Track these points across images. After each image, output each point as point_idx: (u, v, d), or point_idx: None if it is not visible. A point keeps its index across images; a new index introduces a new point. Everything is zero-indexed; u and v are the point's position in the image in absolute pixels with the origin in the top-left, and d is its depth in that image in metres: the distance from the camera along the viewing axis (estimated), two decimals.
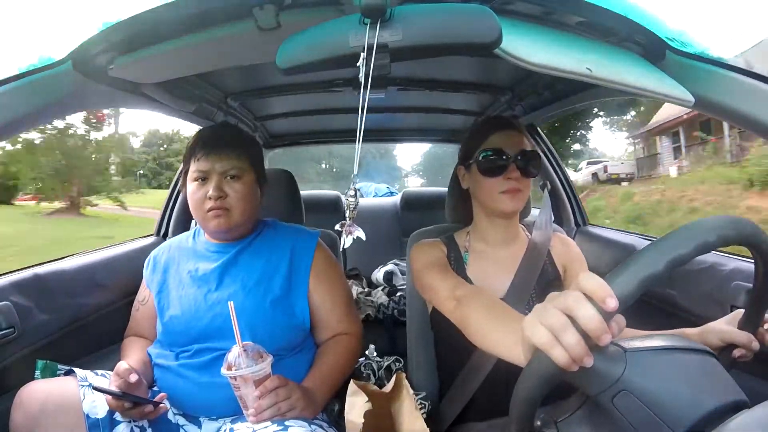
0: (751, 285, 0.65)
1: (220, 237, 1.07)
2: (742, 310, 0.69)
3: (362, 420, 0.84)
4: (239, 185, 1.03)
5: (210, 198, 1.00)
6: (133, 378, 0.85)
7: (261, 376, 0.83)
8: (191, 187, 1.03)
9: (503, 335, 0.64)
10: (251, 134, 1.75)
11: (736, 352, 0.68)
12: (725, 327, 0.71)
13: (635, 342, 0.52)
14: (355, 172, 0.67)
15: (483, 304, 0.76)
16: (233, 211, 1.02)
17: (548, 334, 0.46)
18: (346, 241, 0.72)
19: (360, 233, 0.73)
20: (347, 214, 0.72)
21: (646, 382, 0.49)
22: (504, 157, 0.94)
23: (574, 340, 0.44)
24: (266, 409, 0.83)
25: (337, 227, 0.74)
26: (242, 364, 0.82)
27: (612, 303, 0.43)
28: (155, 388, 0.99)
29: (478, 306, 0.76)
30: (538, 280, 0.96)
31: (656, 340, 0.54)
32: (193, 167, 1.03)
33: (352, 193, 0.70)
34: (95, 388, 0.84)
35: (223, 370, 0.83)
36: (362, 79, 0.56)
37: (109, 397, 0.84)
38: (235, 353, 0.83)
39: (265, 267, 1.05)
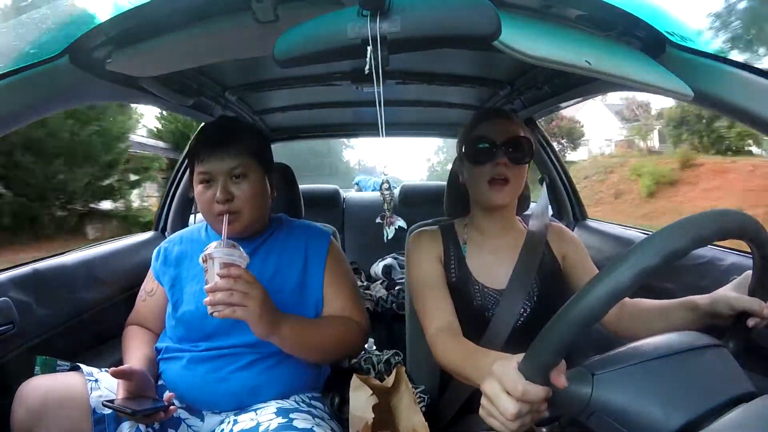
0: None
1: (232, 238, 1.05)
2: (749, 273, 0.66)
3: (372, 415, 0.84)
4: (246, 185, 0.98)
5: (218, 202, 0.95)
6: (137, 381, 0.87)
7: (228, 262, 0.81)
8: (198, 189, 0.99)
9: (476, 375, 0.73)
10: (255, 126, 1.73)
11: (750, 321, 0.65)
12: (734, 294, 0.68)
13: (603, 363, 0.53)
14: (384, 164, 0.69)
15: (453, 349, 0.84)
16: (243, 213, 0.97)
17: (497, 423, 0.54)
18: (389, 232, 0.76)
19: (401, 222, 0.78)
20: (384, 207, 0.76)
21: (615, 402, 0.50)
22: (490, 144, 0.94)
23: (518, 425, 0.53)
24: (220, 290, 0.79)
25: (378, 220, 0.78)
26: (213, 248, 0.81)
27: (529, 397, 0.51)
28: (161, 383, 0.99)
29: (449, 350, 0.85)
30: (539, 271, 0.97)
31: (629, 353, 0.54)
32: (198, 169, 0.98)
33: (386, 186, 0.73)
34: (105, 405, 0.82)
35: (200, 259, 0.82)
36: (374, 71, 0.57)
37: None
38: (213, 245, 0.82)
39: (280, 264, 1.04)
